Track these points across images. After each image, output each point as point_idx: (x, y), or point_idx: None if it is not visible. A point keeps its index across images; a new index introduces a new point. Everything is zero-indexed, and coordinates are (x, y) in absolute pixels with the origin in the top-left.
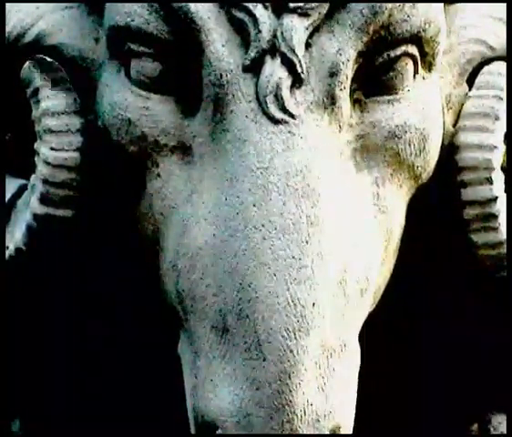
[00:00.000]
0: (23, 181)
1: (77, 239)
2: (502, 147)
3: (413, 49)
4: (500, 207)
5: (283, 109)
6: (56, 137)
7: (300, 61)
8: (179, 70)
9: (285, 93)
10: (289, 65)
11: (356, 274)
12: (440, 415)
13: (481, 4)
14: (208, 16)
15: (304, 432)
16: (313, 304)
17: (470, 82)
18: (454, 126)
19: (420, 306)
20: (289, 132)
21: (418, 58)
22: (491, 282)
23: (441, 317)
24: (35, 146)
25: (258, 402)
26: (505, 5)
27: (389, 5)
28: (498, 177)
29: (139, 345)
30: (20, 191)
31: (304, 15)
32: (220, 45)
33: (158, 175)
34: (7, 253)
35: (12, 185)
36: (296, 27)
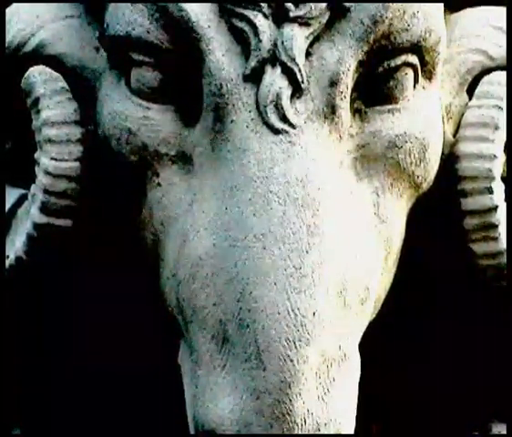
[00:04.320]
0: (23, 191)
1: (78, 249)
2: (502, 157)
3: (413, 58)
4: (500, 216)
5: (284, 119)
6: (57, 146)
7: (300, 70)
8: (180, 79)
9: (285, 102)
10: (289, 74)
11: (356, 283)
12: (441, 424)
13: (481, 14)
14: (208, 25)
15: None
16: (314, 314)
17: (470, 92)
18: (454, 135)
19: (420, 315)
20: (289, 142)
21: (418, 68)
22: (491, 292)
23: (441, 326)
24: (36, 155)
25: (258, 412)
26: (505, 14)
27: (389, 15)
28: (498, 187)
29: (140, 355)
30: (20, 201)
31: (305, 24)
32: (221, 55)
33: (159, 184)
34: (8, 262)
35: (12, 194)
36: (296, 37)
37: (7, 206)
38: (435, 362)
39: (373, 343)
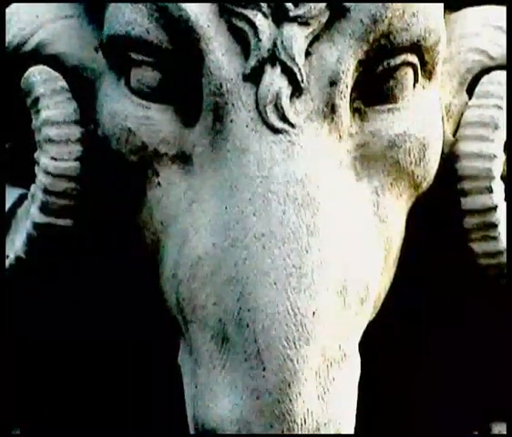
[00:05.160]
0: (23, 190)
1: (78, 249)
2: (502, 157)
3: (413, 58)
4: (500, 216)
5: (283, 119)
6: (57, 146)
7: (300, 70)
8: (179, 79)
9: (285, 102)
10: (289, 74)
11: (356, 283)
12: (440, 424)
13: (481, 13)
14: (208, 25)
15: None
16: (313, 313)
17: (470, 91)
18: (454, 135)
19: (420, 315)
20: (289, 141)
21: (418, 67)
22: (492, 291)
23: (441, 326)
24: (36, 155)
25: (258, 411)
26: (505, 14)
27: (389, 14)
28: (498, 186)
29: (140, 354)
30: (20, 200)
31: (304, 23)
32: (220, 54)
33: (159, 184)
34: (7, 262)
35: (12, 194)
36: (296, 36)
37: (7, 206)
38: (435, 362)
39: (373, 343)
